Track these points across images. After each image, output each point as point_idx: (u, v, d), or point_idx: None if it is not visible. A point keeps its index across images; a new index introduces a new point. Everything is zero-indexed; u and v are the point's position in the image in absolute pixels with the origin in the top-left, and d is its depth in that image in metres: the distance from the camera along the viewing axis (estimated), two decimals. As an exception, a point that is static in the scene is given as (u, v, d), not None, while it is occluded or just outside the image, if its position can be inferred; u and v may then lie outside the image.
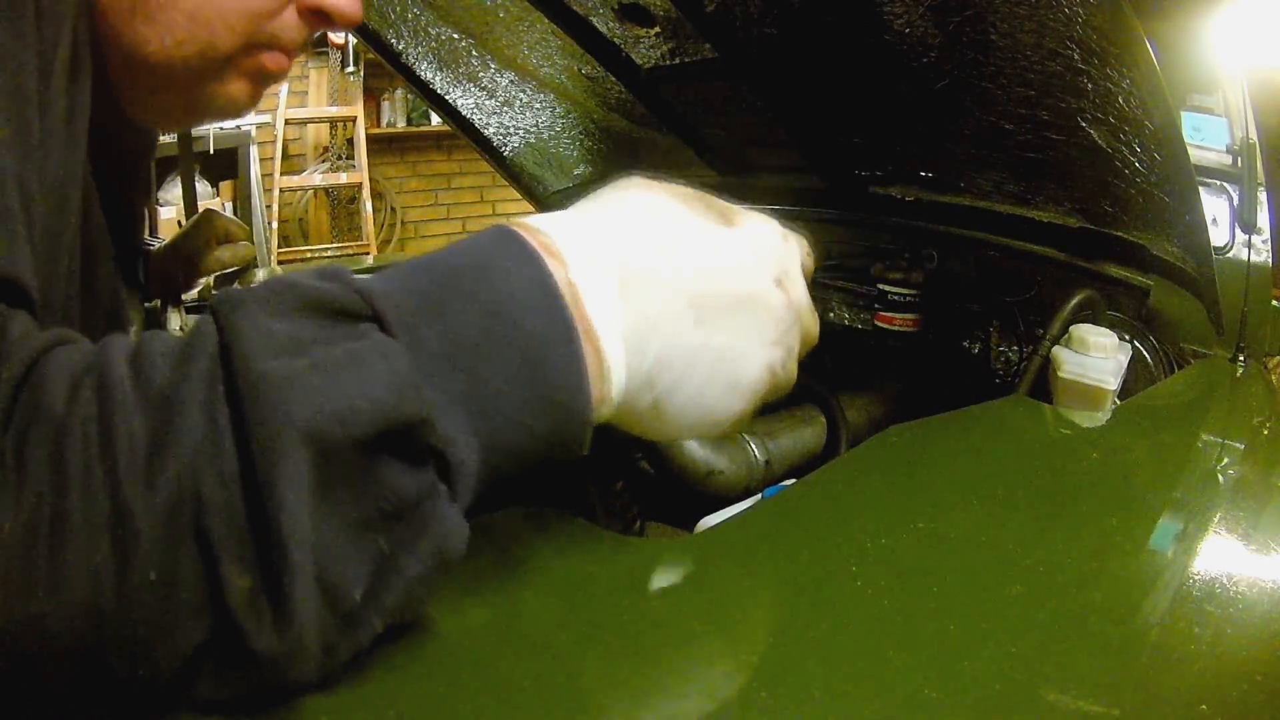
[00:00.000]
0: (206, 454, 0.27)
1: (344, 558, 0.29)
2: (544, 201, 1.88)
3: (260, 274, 1.08)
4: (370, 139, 4.82)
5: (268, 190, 4.68)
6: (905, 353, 1.10)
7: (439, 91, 1.65)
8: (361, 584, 0.30)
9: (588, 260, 0.36)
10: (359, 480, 0.29)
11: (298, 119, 4.72)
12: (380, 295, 0.32)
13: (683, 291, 0.38)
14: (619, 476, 0.72)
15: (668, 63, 1.13)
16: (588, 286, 0.35)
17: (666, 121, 1.30)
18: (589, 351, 0.34)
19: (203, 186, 4.34)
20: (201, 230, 1.05)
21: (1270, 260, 0.99)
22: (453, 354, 0.32)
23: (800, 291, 0.43)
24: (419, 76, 1.62)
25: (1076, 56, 0.70)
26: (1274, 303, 0.97)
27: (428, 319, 0.32)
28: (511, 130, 1.69)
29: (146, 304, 1.04)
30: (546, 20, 1.13)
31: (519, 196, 1.96)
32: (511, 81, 1.47)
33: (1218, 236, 1.01)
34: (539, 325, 0.33)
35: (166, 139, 4.29)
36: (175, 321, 1.02)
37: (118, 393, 0.28)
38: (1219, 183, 1.05)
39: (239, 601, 0.27)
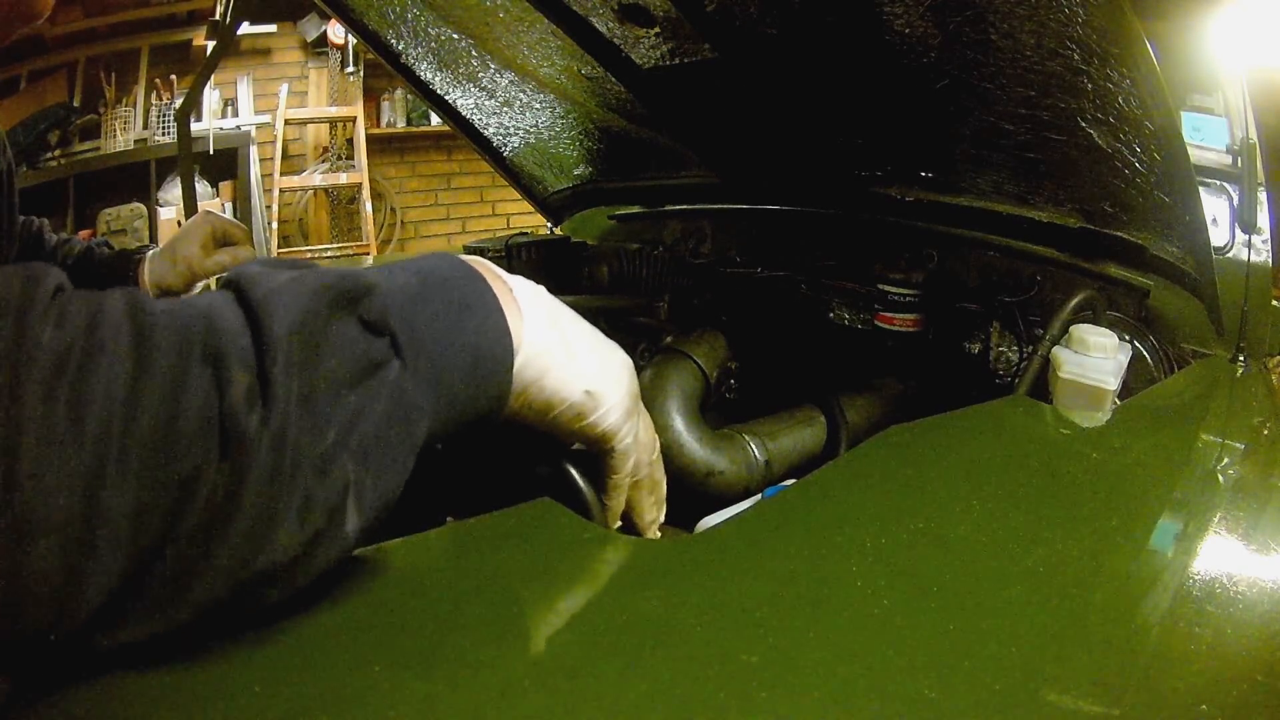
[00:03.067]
0: (217, 306, 0.36)
1: (317, 404, 0.35)
2: (544, 201, 1.88)
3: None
4: (370, 139, 4.83)
5: (267, 190, 4.69)
6: (905, 353, 1.10)
7: (439, 92, 1.65)
8: (334, 428, 0.36)
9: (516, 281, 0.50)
10: (327, 336, 0.36)
11: (298, 119, 4.72)
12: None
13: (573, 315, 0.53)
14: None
15: (668, 63, 1.13)
16: (506, 276, 0.49)
17: (666, 121, 1.30)
18: (506, 299, 0.46)
19: (202, 187, 4.35)
20: (200, 232, 1.05)
21: (1270, 260, 0.99)
22: (400, 297, 0.41)
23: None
24: (419, 77, 1.62)
25: (1076, 56, 0.70)
26: (1274, 303, 0.97)
27: (384, 286, 0.41)
28: (511, 130, 1.69)
29: None
30: (546, 20, 1.13)
31: (519, 196, 1.96)
32: (511, 81, 1.47)
33: (1218, 236, 1.01)
34: (463, 280, 0.45)
35: (165, 140, 4.31)
36: None
37: (141, 292, 0.35)
38: (1219, 183, 1.05)
39: (237, 395, 0.33)
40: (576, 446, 0.56)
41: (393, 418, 0.38)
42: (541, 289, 0.51)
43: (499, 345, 0.45)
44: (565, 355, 0.49)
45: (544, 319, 0.49)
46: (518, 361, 0.46)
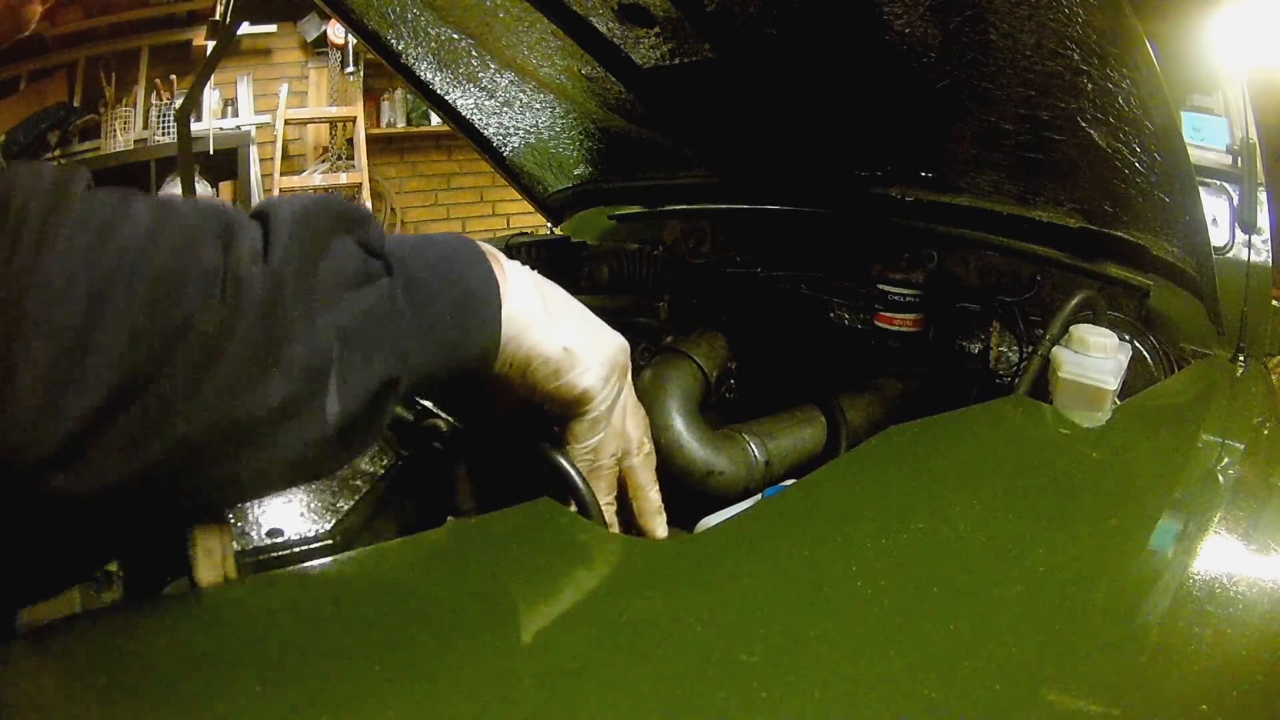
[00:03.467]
0: (238, 217, 0.39)
1: (313, 288, 0.39)
2: (544, 201, 1.88)
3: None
4: (370, 139, 4.82)
5: (268, 190, 4.68)
6: (905, 353, 1.10)
7: (439, 92, 1.65)
8: (325, 312, 0.38)
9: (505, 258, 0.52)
10: (327, 245, 0.40)
11: (298, 119, 4.72)
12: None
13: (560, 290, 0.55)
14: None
15: (667, 63, 1.13)
16: (495, 249, 0.52)
17: (666, 121, 1.30)
18: (493, 261, 0.49)
19: (202, 187, 4.35)
20: None
21: (1270, 260, 0.99)
22: (395, 239, 0.45)
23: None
24: (419, 77, 1.62)
25: (1076, 56, 0.70)
26: (1274, 303, 0.97)
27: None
28: (511, 130, 1.69)
29: None
30: (546, 20, 1.13)
31: (519, 196, 1.96)
32: (511, 81, 1.47)
33: (1218, 236, 1.01)
34: (454, 240, 0.49)
35: (165, 140, 4.30)
36: None
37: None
38: (1219, 183, 1.05)
39: (242, 253, 0.37)
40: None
41: (381, 315, 0.41)
42: (529, 268, 0.53)
43: (486, 288, 0.48)
44: (546, 315, 0.52)
45: (527, 283, 0.52)
46: (506, 309, 0.49)
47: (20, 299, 0.31)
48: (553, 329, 0.51)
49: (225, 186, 4.62)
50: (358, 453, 0.42)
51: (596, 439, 0.55)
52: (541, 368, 0.51)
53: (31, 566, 0.37)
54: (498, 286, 0.48)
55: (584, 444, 0.55)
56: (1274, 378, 0.93)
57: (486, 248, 0.51)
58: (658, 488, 0.61)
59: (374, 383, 0.40)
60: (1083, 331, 0.77)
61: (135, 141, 4.32)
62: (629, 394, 0.57)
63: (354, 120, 4.75)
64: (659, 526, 0.60)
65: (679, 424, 0.81)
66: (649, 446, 0.60)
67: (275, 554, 0.53)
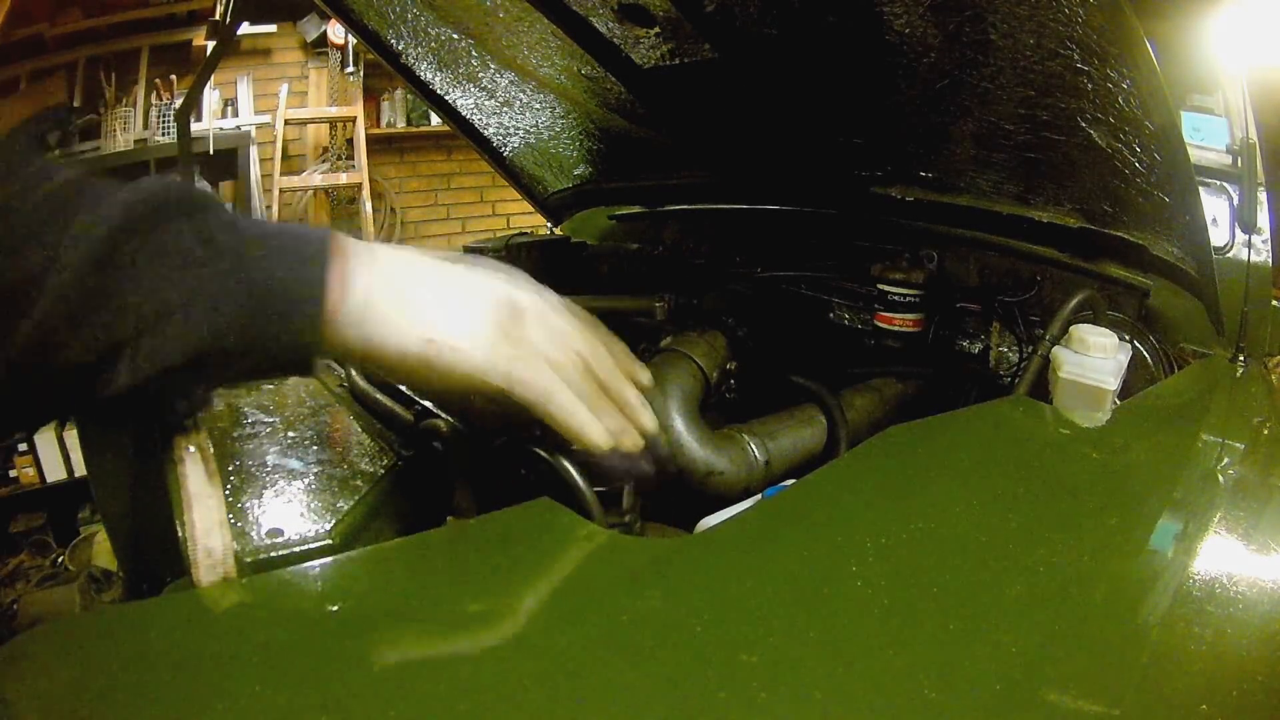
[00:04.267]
0: (92, 194, 0.45)
1: (132, 279, 0.43)
2: (544, 201, 1.88)
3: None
4: (370, 139, 4.82)
5: (267, 190, 4.68)
6: (905, 353, 1.10)
7: (439, 92, 1.65)
8: (133, 296, 0.42)
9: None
10: (152, 227, 0.44)
11: (298, 119, 4.72)
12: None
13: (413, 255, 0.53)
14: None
15: (667, 63, 1.13)
16: (363, 244, 0.51)
17: (666, 121, 1.30)
18: (341, 252, 0.49)
19: (202, 187, 4.35)
20: None
21: (1270, 260, 0.99)
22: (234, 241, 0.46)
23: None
24: (419, 77, 1.62)
25: (1076, 56, 0.70)
26: (1274, 303, 0.97)
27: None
28: (511, 130, 1.69)
29: None
30: (546, 20, 1.13)
31: (519, 196, 1.96)
32: (511, 81, 1.47)
33: (1218, 236, 1.01)
34: (302, 245, 0.49)
35: (165, 140, 4.30)
36: None
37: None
38: (1219, 183, 1.05)
39: (81, 227, 0.42)
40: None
41: (190, 298, 0.43)
42: (402, 250, 0.52)
43: (302, 287, 0.47)
44: (395, 304, 0.49)
45: (374, 273, 0.49)
46: (343, 307, 0.48)
47: None
48: (403, 319, 0.49)
49: (225, 186, 4.62)
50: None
51: (559, 399, 0.51)
52: (406, 361, 0.49)
53: None
54: (323, 286, 0.47)
55: (561, 416, 0.51)
56: (1274, 378, 0.93)
57: (346, 242, 0.49)
58: (630, 383, 0.57)
59: (168, 362, 0.43)
60: (1083, 331, 0.77)
61: (135, 141, 4.32)
62: (537, 327, 0.53)
63: (354, 120, 4.74)
64: (647, 420, 0.57)
65: (679, 424, 0.81)
66: (600, 344, 0.56)
67: (275, 554, 0.53)
